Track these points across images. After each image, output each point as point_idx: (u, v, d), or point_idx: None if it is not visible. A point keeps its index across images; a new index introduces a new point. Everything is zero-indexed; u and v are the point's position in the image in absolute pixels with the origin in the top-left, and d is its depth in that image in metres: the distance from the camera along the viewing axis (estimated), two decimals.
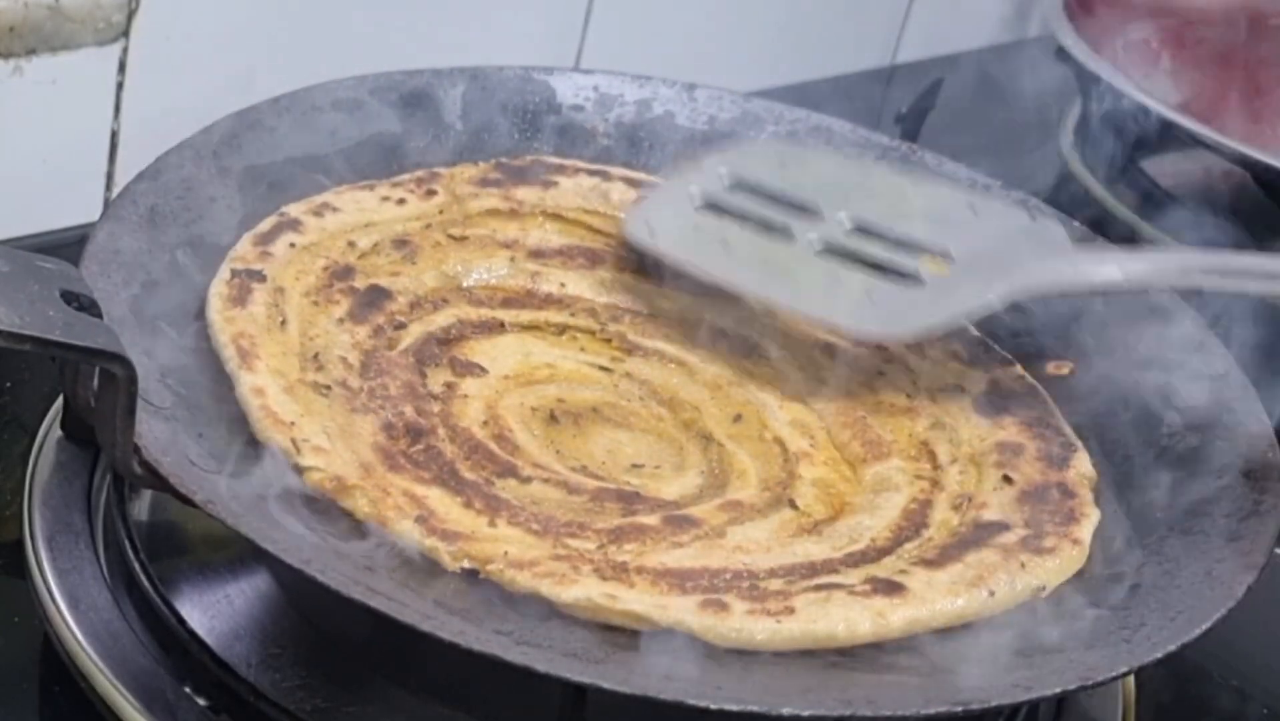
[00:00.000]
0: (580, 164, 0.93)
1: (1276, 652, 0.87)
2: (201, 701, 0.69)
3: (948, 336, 0.86)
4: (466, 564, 0.67)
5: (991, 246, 0.80)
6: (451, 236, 0.87)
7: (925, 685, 0.65)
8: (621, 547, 0.70)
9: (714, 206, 0.85)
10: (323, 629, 0.73)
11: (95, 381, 0.66)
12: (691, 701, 0.61)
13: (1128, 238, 1.13)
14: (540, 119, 0.95)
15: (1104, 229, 0.96)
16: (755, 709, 0.61)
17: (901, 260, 0.81)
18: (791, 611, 0.67)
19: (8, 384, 0.86)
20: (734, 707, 0.62)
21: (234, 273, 0.79)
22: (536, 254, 0.88)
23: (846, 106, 1.02)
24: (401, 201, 0.88)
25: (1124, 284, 0.79)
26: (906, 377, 0.84)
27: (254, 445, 0.72)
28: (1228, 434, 0.79)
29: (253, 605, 0.74)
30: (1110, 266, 0.79)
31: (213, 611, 0.73)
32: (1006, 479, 0.77)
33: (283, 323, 0.78)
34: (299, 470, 0.70)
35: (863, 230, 0.82)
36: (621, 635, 0.66)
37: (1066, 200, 1.11)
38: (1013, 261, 0.79)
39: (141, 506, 0.77)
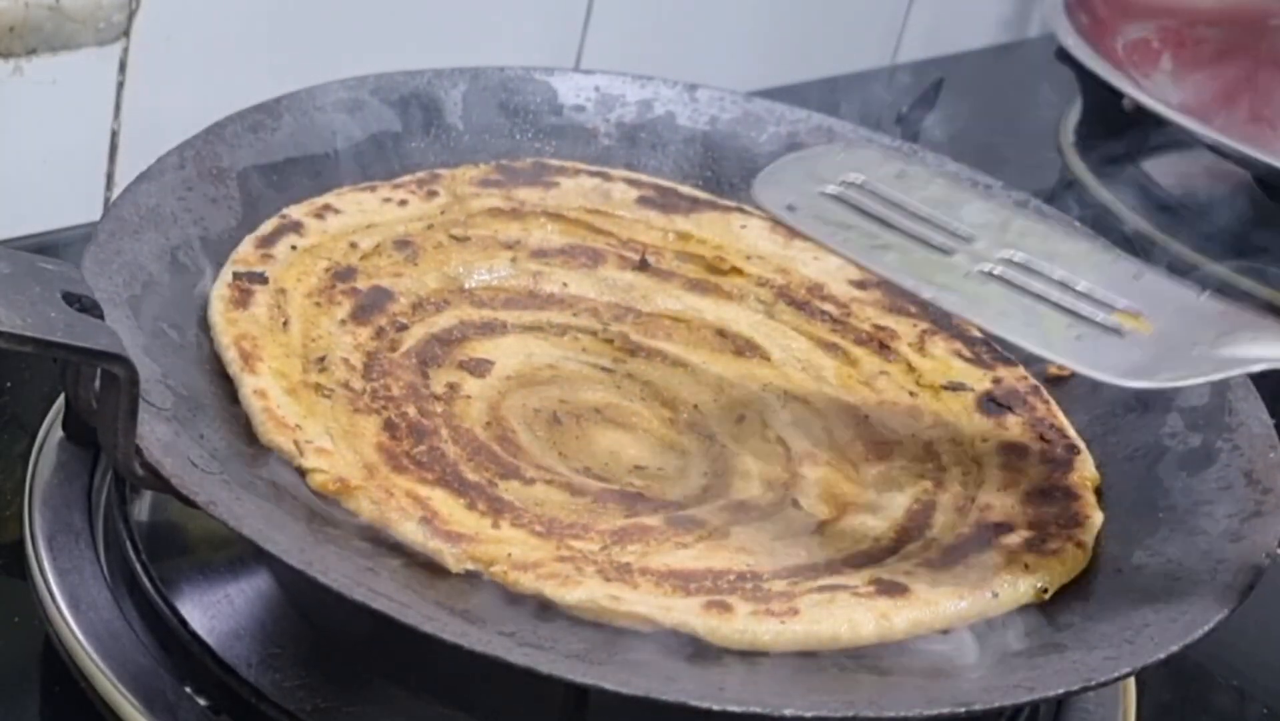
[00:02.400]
0: (581, 165, 0.93)
1: (1276, 652, 0.87)
2: (202, 701, 0.69)
3: (950, 335, 0.86)
4: (470, 565, 0.67)
5: (1181, 317, 0.68)
6: (453, 237, 0.87)
7: (928, 685, 0.65)
8: (625, 549, 0.70)
9: (844, 200, 0.75)
10: (323, 629, 0.73)
11: (97, 382, 0.66)
12: (694, 702, 0.61)
13: (1128, 238, 1.13)
14: (541, 119, 0.95)
15: (1104, 229, 0.96)
16: (758, 710, 0.61)
17: (1090, 309, 0.69)
18: (796, 613, 0.67)
19: (8, 384, 0.86)
20: (737, 709, 0.61)
21: (236, 275, 0.79)
22: (539, 254, 0.88)
23: (846, 106, 1.02)
24: (403, 203, 0.87)
25: None
26: (909, 377, 0.84)
27: (256, 446, 0.72)
28: (1229, 434, 0.79)
29: (253, 605, 0.74)
30: None
31: (213, 611, 0.73)
32: (1010, 480, 0.77)
33: (285, 324, 0.78)
34: (302, 472, 0.71)
35: (1027, 267, 0.71)
36: (624, 636, 0.66)
37: (1066, 200, 1.11)
38: (1218, 339, 0.66)
39: (142, 506, 0.77)
